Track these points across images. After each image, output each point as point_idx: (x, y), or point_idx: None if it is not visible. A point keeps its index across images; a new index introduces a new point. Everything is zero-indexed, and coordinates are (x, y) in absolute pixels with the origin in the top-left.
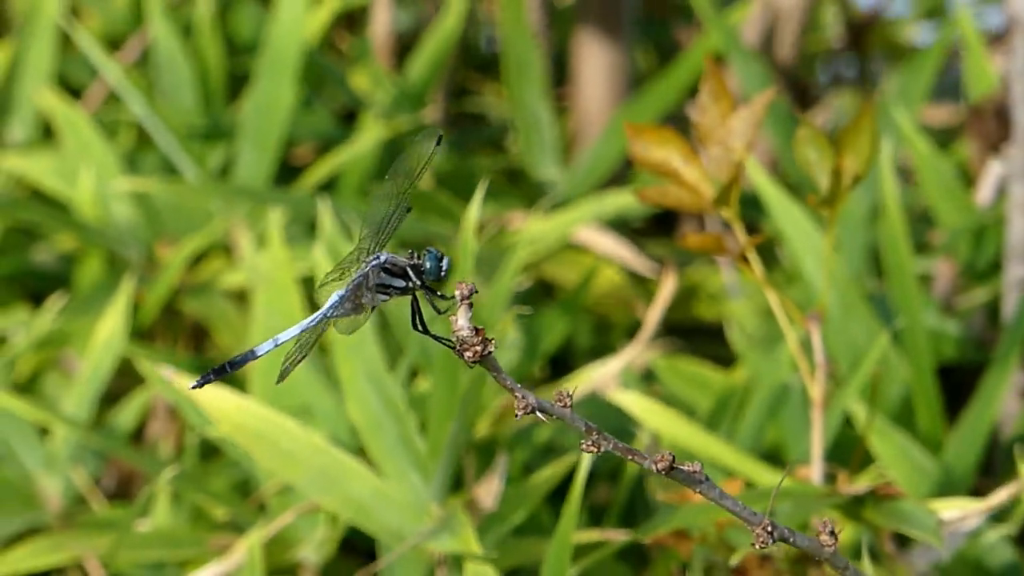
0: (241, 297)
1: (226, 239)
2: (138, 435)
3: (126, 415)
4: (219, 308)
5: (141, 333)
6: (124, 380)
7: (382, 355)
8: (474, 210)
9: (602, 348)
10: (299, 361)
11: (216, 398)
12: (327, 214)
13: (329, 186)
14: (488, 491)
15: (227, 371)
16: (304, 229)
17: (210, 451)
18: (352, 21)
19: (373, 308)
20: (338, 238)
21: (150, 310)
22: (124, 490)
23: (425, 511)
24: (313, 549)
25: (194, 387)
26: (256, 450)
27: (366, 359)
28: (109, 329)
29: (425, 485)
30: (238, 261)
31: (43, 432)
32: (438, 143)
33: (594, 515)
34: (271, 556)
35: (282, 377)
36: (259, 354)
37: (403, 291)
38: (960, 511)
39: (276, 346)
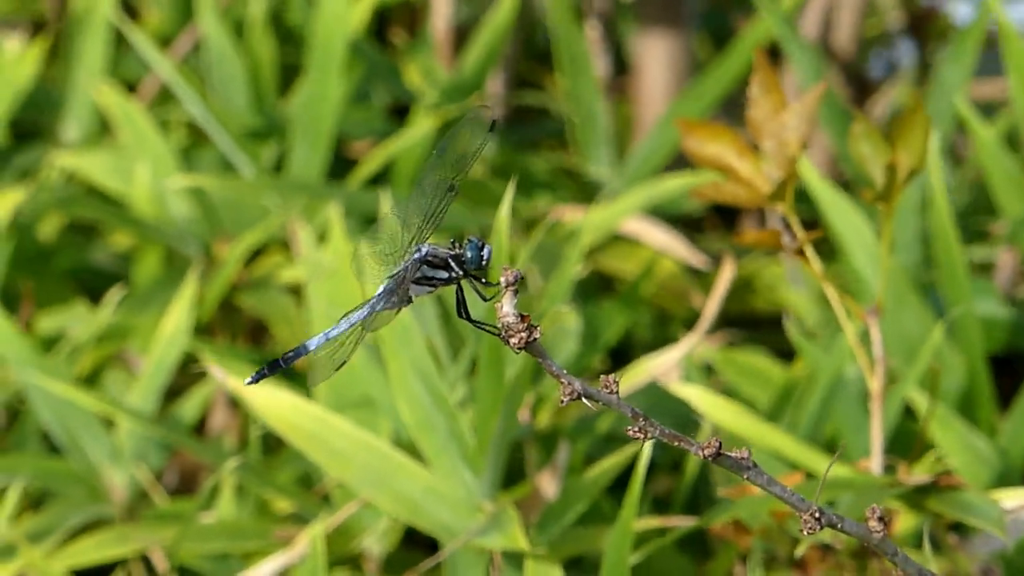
0: (298, 292)
1: (282, 234)
2: (200, 428)
3: (188, 408)
4: (277, 303)
5: (200, 328)
6: (182, 376)
7: (429, 349)
8: (506, 205)
9: (662, 340)
10: (344, 361)
11: (269, 397)
12: (387, 205)
13: (382, 178)
14: (550, 481)
15: (280, 366)
16: (358, 223)
17: (273, 443)
18: (414, 16)
19: (408, 301)
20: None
21: (209, 306)
22: (186, 485)
23: (476, 507)
24: (376, 540)
25: (249, 383)
26: (310, 449)
27: (413, 354)
28: (173, 324)
29: (476, 481)
30: (295, 256)
31: (108, 425)
32: (492, 128)
33: (657, 507)
34: (334, 547)
35: (321, 378)
36: (311, 348)
37: (447, 282)
38: (1022, 500)
39: (327, 339)
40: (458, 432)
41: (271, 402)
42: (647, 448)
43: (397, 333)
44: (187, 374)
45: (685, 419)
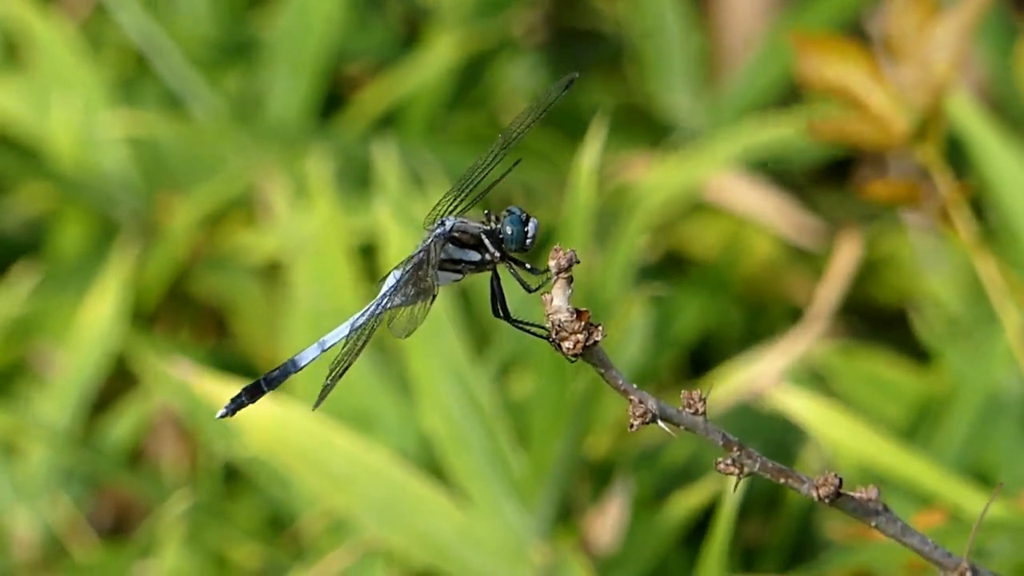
0: (271, 273)
1: (251, 195)
2: (139, 453)
3: (122, 426)
4: (242, 287)
5: (140, 319)
6: (118, 382)
7: (466, 347)
8: (592, 153)
9: (754, 340)
10: (342, 374)
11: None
12: (388, 158)
13: (389, 121)
14: (605, 526)
15: (263, 391)
16: (357, 181)
17: (234, 474)
18: None
19: (433, 296)
20: (403, 191)
21: (151, 289)
22: (124, 526)
23: (524, 554)
24: None
25: (223, 416)
26: (302, 473)
27: (446, 353)
28: (98, 314)
29: (524, 519)
30: (267, 224)
31: (9, 450)
32: (568, 86)
33: (746, 559)
34: None
35: (321, 399)
36: (301, 365)
37: (479, 266)
38: None
39: (322, 351)
40: (500, 454)
41: (251, 412)
42: (734, 486)
43: (424, 326)
44: (121, 380)
45: (781, 443)
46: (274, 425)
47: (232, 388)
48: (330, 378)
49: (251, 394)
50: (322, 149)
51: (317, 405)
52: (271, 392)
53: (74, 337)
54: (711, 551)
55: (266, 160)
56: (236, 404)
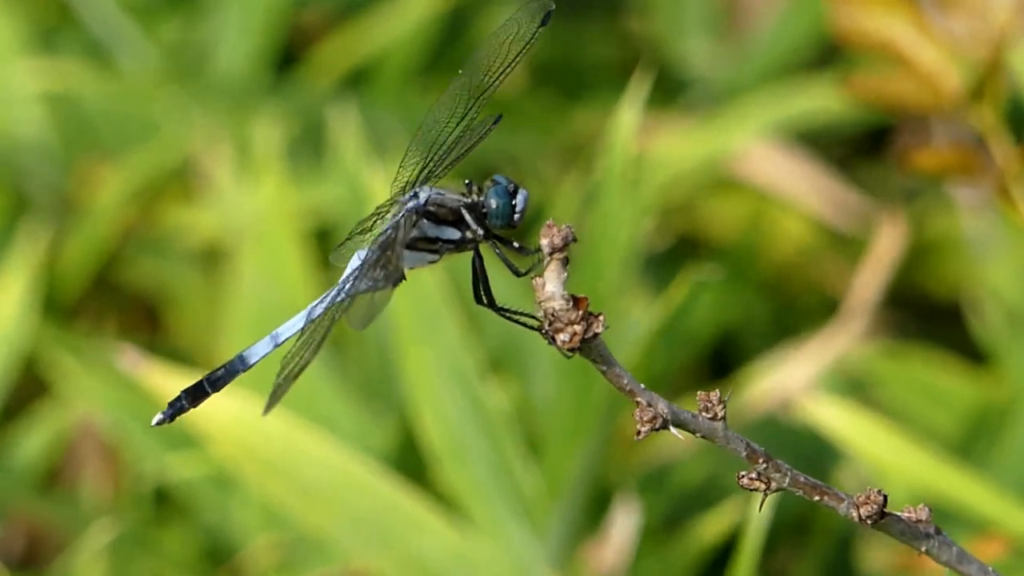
0: (211, 257)
1: (191, 166)
2: (55, 473)
3: (34, 441)
4: (179, 274)
5: (57, 312)
6: (30, 388)
7: (468, 340)
8: (633, 112)
9: (783, 338)
10: (297, 373)
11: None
12: (348, 123)
13: (356, 80)
14: (611, 553)
15: (206, 392)
16: (319, 150)
17: (166, 498)
18: None
19: (401, 278)
20: (365, 162)
21: (71, 277)
22: (34, 557)
23: None
24: None
25: (159, 422)
26: (271, 487)
27: (444, 345)
28: (6, 308)
29: (534, 543)
30: (209, 200)
31: None
32: (545, 21)
33: None
34: None
35: (272, 402)
36: (251, 363)
37: (459, 245)
38: None
39: (276, 347)
40: (507, 467)
41: (213, 412)
42: (760, 506)
43: (419, 313)
44: (33, 386)
45: (813, 460)
46: (240, 431)
47: (178, 382)
48: (282, 377)
49: (193, 397)
50: (275, 111)
51: (268, 410)
52: (217, 394)
53: None
54: None
55: (209, 124)
56: (175, 409)
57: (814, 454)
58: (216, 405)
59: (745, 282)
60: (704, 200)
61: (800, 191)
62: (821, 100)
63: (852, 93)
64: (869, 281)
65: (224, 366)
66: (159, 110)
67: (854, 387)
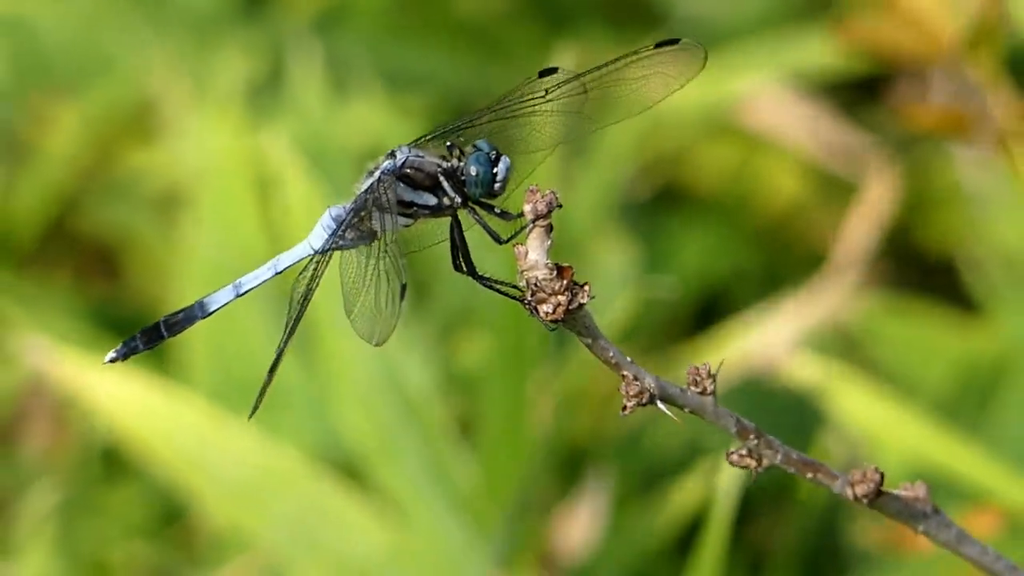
0: (169, 202)
1: (148, 108)
2: (5, 434)
3: None
4: (137, 220)
5: (9, 259)
6: None
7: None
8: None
9: (775, 292)
10: (277, 363)
11: (118, 388)
12: (309, 58)
13: (329, 20)
14: (577, 527)
15: (162, 336)
16: (271, 82)
17: (114, 458)
18: None
19: (403, 285)
20: (325, 102)
21: (24, 222)
22: None
23: None
24: None
25: (111, 360)
26: (191, 480)
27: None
28: None
29: (476, 542)
30: (166, 142)
31: None
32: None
33: (752, 567)
34: None
35: (259, 401)
36: (211, 310)
37: (436, 210)
38: None
39: (237, 296)
40: (440, 461)
41: (118, 393)
42: (732, 479)
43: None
44: None
45: (796, 424)
46: (157, 420)
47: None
48: (268, 374)
49: (147, 338)
50: (241, 46)
51: (254, 412)
52: (169, 339)
53: None
54: (703, 560)
55: (170, 57)
56: (128, 348)
57: (798, 416)
58: (121, 385)
59: (733, 233)
60: (697, 147)
61: (797, 135)
62: (819, 48)
63: (846, 40)
64: (859, 232)
65: (183, 310)
66: (116, 40)
67: (847, 343)
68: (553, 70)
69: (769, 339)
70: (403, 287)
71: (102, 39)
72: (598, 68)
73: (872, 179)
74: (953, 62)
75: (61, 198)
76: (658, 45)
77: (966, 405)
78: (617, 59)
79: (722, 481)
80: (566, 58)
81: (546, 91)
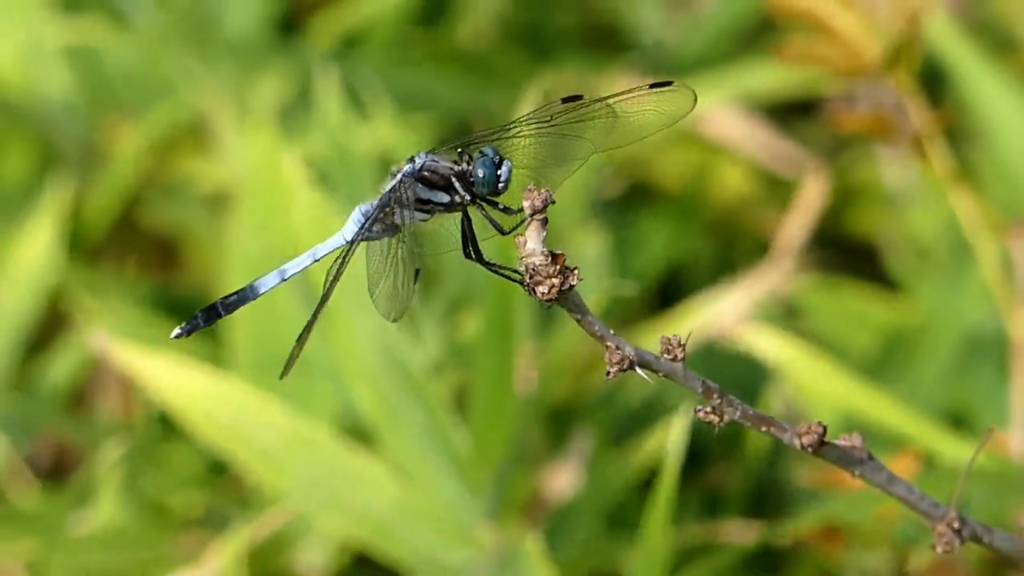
0: (221, 201)
1: (203, 121)
2: (80, 396)
3: (59, 368)
4: (192, 217)
5: (83, 252)
6: (52, 322)
7: None
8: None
9: (727, 274)
10: (307, 332)
11: (165, 368)
12: (332, 82)
13: (349, 46)
14: (563, 475)
15: (220, 314)
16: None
17: (172, 421)
18: None
19: (395, 229)
20: (346, 120)
21: (95, 221)
22: (61, 468)
23: (471, 534)
24: (317, 553)
25: (177, 335)
26: (229, 449)
27: (371, 318)
28: (34, 247)
29: (471, 496)
30: (215, 152)
31: None
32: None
33: (708, 506)
34: (259, 564)
35: (288, 365)
36: (260, 292)
37: (449, 207)
38: None
39: (283, 280)
40: (438, 427)
41: (168, 375)
42: (681, 428)
43: (342, 277)
44: (59, 319)
45: (743, 383)
46: (199, 398)
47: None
48: (297, 343)
49: (207, 316)
50: (276, 73)
51: (285, 372)
52: (224, 317)
53: (9, 272)
54: (656, 503)
55: (216, 83)
56: (191, 326)
57: (749, 376)
58: (167, 365)
59: (691, 224)
60: (656, 153)
61: (746, 143)
62: (764, 73)
63: (784, 58)
64: (796, 224)
65: (237, 292)
66: (172, 70)
67: (788, 314)
68: (578, 97)
69: (723, 313)
70: (417, 272)
71: (161, 67)
72: (603, 99)
73: (808, 179)
74: (876, 76)
75: (127, 199)
76: (652, 86)
77: (888, 366)
78: (619, 93)
79: (673, 434)
80: (547, 82)
81: (551, 116)
